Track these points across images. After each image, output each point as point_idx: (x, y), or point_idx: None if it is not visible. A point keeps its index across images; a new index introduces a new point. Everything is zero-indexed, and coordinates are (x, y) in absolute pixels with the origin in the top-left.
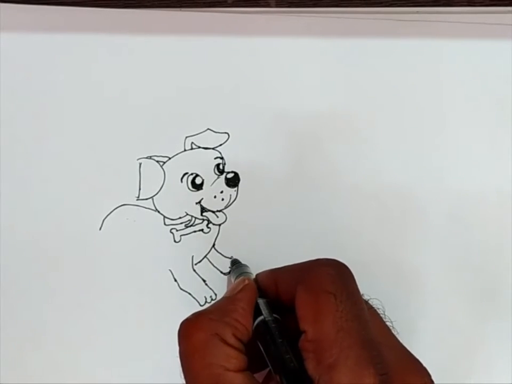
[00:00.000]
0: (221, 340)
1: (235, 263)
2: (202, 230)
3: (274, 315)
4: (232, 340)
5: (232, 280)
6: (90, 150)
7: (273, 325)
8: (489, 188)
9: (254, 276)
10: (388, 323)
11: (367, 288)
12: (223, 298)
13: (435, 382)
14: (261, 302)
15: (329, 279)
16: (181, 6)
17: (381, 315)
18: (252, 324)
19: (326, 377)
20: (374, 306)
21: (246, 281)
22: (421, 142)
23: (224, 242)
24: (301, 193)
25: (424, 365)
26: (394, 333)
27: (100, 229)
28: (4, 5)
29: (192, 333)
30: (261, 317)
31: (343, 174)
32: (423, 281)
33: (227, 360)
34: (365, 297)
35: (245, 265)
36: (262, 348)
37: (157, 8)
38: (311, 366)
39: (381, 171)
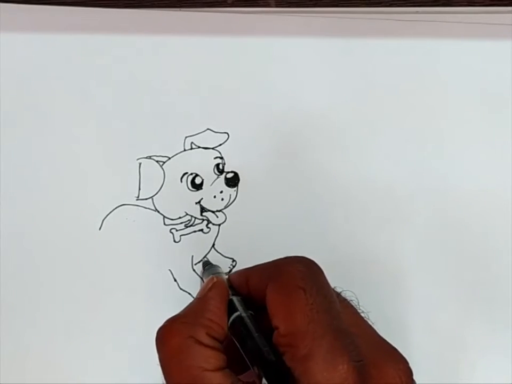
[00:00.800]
0: (196, 341)
1: (207, 264)
2: (202, 230)
3: (249, 311)
4: (207, 340)
5: (204, 281)
6: (90, 150)
7: (248, 320)
8: (489, 188)
9: (225, 276)
10: (363, 314)
11: (364, 287)
12: (195, 300)
13: (432, 380)
14: (235, 299)
15: (298, 275)
16: (180, 6)
17: (356, 306)
18: (227, 322)
19: (301, 368)
20: (347, 298)
21: (215, 279)
22: (420, 141)
23: (224, 242)
24: (300, 193)
25: (425, 364)
26: (370, 323)
27: (100, 228)
28: (3, 5)
29: (168, 339)
30: (236, 313)
31: (342, 174)
32: (419, 281)
33: (205, 360)
34: (338, 289)
35: (217, 266)
36: (238, 344)
37: (157, 8)
38: (287, 360)
39: (380, 171)
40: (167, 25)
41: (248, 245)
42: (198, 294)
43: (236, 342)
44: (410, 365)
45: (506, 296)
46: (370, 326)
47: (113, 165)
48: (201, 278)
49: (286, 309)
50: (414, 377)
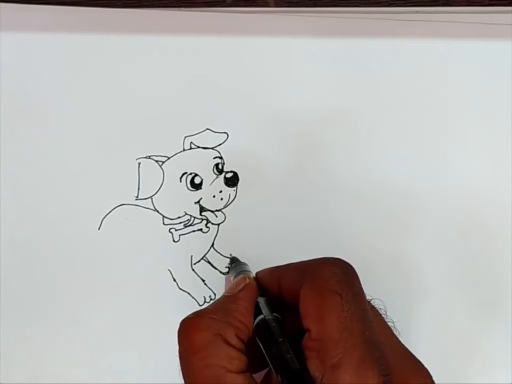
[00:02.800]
0: (223, 340)
1: (234, 261)
2: (201, 229)
3: (275, 314)
4: (234, 341)
5: (232, 278)
6: (89, 149)
7: (273, 324)
8: (489, 188)
9: (253, 274)
10: (389, 323)
11: (367, 288)
12: (224, 297)
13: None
14: (261, 300)
15: (335, 278)
16: (180, 6)
17: (383, 315)
18: (253, 323)
19: (329, 377)
20: (376, 306)
21: (247, 280)
22: (420, 141)
23: (223, 241)
24: (300, 193)
25: (424, 363)
26: (396, 334)
27: (99, 228)
28: (4, 5)
29: (194, 333)
30: (262, 316)
31: (342, 174)
32: (423, 282)
33: (229, 361)
34: (367, 297)
35: (244, 264)
36: (262, 347)
37: (156, 8)
38: (313, 366)
39: (380, 171)
40: (167, 25)
41: (248, 244)
42: (226, 292)
43: (260, 345)
44: None
45: (506, 295)
46: (397, 337)
47: (112, 164)
48: (225, 274)
49: (321, 313)
50: None
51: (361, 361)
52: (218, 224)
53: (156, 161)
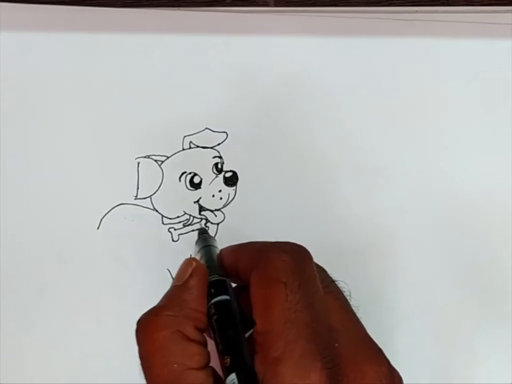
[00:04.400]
0: (182, 337)
1: (202, 233)
2: None
3: (225, 296)
4: (194, 334)
5: (196, 250)
6: (89, 149)
7: (231, 307)
8: (488, 188)
9: (217, 251)
10: (354, 308)
11: (364, 285)
12: (174, 287)
13: (431, 380)
14: (214, 282)
15: (282, 266)
16: (179, 5)
17: (347, 298)
18: (206, 308)
19: (271, 372)
20: (340, 288)
21: (194, 264)
22: (420, 141)
23: (223, 241)
24: (299, 193)
25: (424, 363)
26: (358, 318)
27: (98, 228)
28: (4, 5)
29: (152, 333)
30: (217, 298)
31: (342, 174)
32: (419, 279)
33: (189, 357)
34: (332, 277)
35: (212, 238)
36: (213, 330)
37: (156, 8)
38: (258, 361)
39: (380, 171)
40: (166, 25)
41: None
42: (176, 279)
43: (211, 327)
44: (404, 366)
45: (506, 295)
46: (357, 322)
47: (111, 164)
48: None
49: (265, 304)
50: (405, 380)
51: (303, 354)
52: (218, 224)
53: (155, 160)
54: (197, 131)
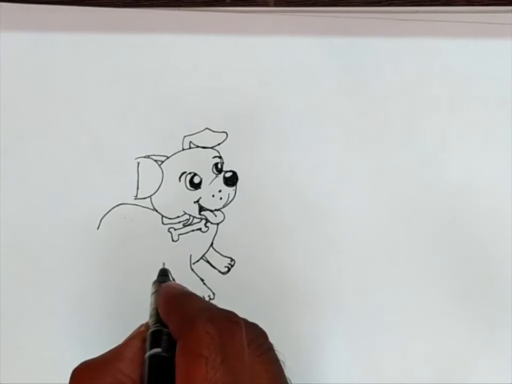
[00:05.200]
0: None
1: (162, 275)
2: (200, 229)
3: (157, 350)
4: None
5: (151, 291)
6: (89, 149)
7: (148, 365)
8: (487, 188)
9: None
10: (288, 379)
11: (365, 285)
12: (116, 346)
13: (431, 380)
14: (150, 333)
15: (206, 339)
16: (179, 5)
17: (282, 366)
18: (140, 373)
19: None
20: (277, 357)
21: (142, 328)
22: (419, 141)
23: (222, 241)
24: (299, 192)
25: (424, 363)
26: None
27: (98, 228)
28: (4, 5)
29: (76, 383)
30: (151, 352)
31: (342, 174)
32: (421, 280)
33: None
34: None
35: (169, 281)
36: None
37: (156, 8)
38: None
39: (381, 171)
40: (166, 25)
41: (247, 244)
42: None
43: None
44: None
45: (505, 295)
46: None
47: (111, 164)
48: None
49: (185, 380)
50: None
51: None
52: (218, 224)
53: (155, 160)
54: (197, 131)
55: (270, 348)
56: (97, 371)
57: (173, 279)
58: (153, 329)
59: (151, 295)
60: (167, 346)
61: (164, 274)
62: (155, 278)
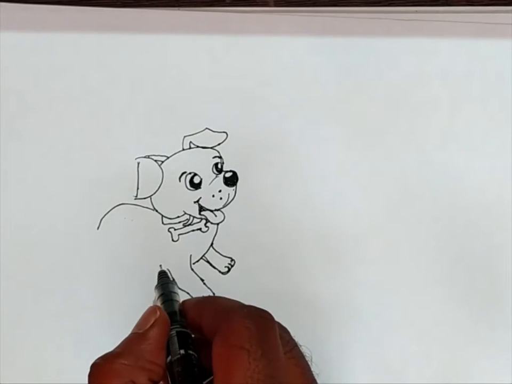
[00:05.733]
0: None
1: (162, 277)
2: (200, 229)
3: (190, 351)
4: None
5: (156, 296)
6: (89, 149)
7: (187, 364)
8: (487, 188)
9: (178, 298)
10: (314, 373)
11: (365, 285)
12: (134, 335)
13: (431, 380)
14: (174, 335)
15: (246, 333)
16: (179, 5)
17: (309, 362)
18: (165, 360)
19: None
20: (303, 353)
21: (158, 313)
22: (419, 141)
23: (222, 241)
24: (299, 192)
25: (424, 363)
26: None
27: (98, 228)
28: (4, 5)
29: (105, 380)
30: (177, 355)
31: (343, 173)
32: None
33: None
34: (296, 341)
35: (171, 283)
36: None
37: (156, 8)
38: None
39: (381, 171)
40: (166, 25)
41: (247, 244)
42: (136, 327)
43: (171, 380)
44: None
45: (506, 295)
46: None
47: (111, 164)
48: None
49: (226, 370)
50: None
51: None
52: (218, 224)
53: (155, 160)
54: (197, 131)
55: (296, 344)
56: (131, 367)
57: (173, 279)
58: (178, 330)
59: (156, 299)
60: (191, 347)
61: (163, 276)
62: (155, 278)
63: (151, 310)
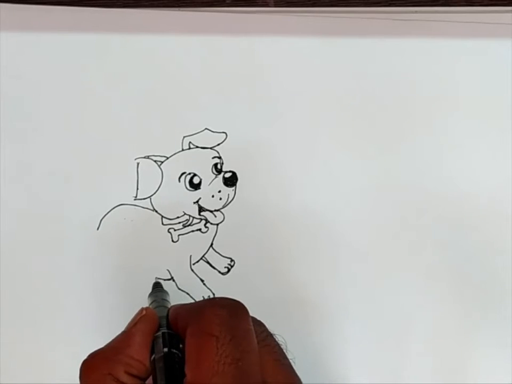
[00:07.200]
0: (113, 379)
1: (156, 286)
2: (200, 229)
3: (173, 350)
4: (125, 378)
5: (148, 303)
6: (88, 149)
7: (166, 361)
8: (487, 189)
9: (168, 305)
10: (291, 360)
11: (368, 287)
12: (121, 333)
13: (432, 380)
14: (161, 335)
15: (215, 320)
16: (179, 5)
17: (284, 350)
18: (149, 357)
19: None
20: (277, 341)
21: (144, 312)
22: (419, 142)
23: (222, 241)
24: (298, 193)
25: (424, 363)
26: (292, 371)
27: (98, 229)
28: (4, 5)
29: (87, 374)
30: (161, 353)
31: (342, 174)
32: (420, 280)
33: None
34: (273, 333)
35: (164, 292)
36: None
37: (156, 8)
38: None
39: (382, 171)
40: (166, 25)
41: (246, 244)
42: (126, 326)
43: (154, 379)
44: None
45: (506, 296)
46: (291, 374)
47: (111, 164)
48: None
49: (195, 357)
50: None
51: None
52: (217, 224)
53: (155, 161)
54: (197, 131)
55: (270, 334)
56: (108, 360)
57: (173, 280)
58: (164, 331)
59: (150, 304)
60: (174, 346)
61: (157, 286)
62: (155, 278)
63: (139, 311)
